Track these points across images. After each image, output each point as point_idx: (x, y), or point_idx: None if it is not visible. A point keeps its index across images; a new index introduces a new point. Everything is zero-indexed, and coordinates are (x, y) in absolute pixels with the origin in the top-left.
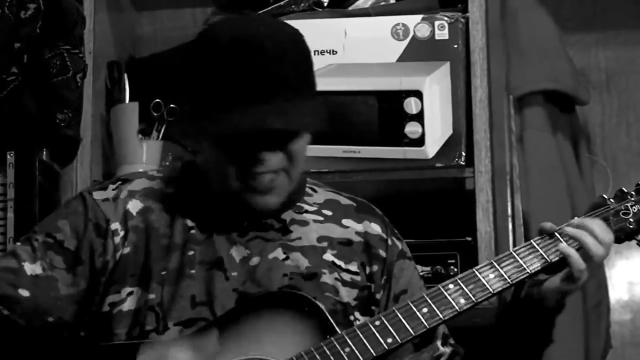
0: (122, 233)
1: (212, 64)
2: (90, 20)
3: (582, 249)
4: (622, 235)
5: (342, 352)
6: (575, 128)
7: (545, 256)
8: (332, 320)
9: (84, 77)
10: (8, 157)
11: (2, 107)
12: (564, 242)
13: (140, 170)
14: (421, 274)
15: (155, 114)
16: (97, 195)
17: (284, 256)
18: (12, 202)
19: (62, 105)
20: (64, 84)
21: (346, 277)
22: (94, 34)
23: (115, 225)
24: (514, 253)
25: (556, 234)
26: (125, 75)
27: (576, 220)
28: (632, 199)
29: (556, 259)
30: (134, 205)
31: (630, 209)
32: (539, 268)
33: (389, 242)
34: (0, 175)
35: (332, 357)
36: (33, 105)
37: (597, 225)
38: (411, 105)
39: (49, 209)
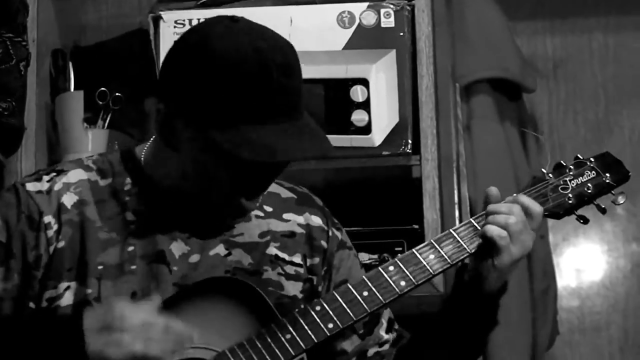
0: (55, 227)
1: (225, 78)
2: (33, 8)
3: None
4: (561, 211)
5: (283, 339)
6: (522, 116)
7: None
8: (273, 307)
9: (28, 66)
10: None
11: None
12: None
13: (77, 158)
14: (368, 261)
15: (101, 103)
16: (31, 186)
17: (225, 252)
18: None
19: (5, 94)
20: (7, 73)
21: (290, 270)
22: (37, 22)
23: (48, 219)
24: (453, 232)
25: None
26: (70, 64)
27: (510, 197)
28: (571, 173)
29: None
30: (69, 199)
31: (569, 183)
32: (479, 247)
33: (330, 233)
34: None
35: (273, 345)
36: None
37: (524, 199)
38: (357, 93)
39: None
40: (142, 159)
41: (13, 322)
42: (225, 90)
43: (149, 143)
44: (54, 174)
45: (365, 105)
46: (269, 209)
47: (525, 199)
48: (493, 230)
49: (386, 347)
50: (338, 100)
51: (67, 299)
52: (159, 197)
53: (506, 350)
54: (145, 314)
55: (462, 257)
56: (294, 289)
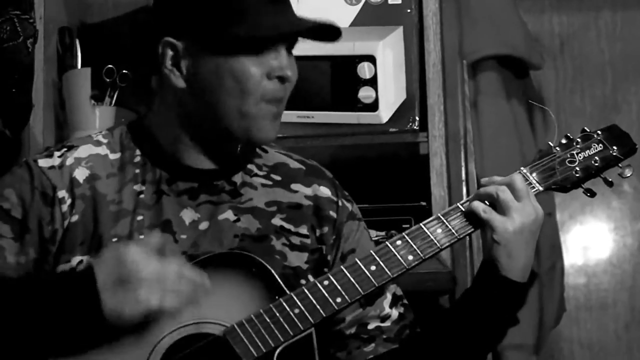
0: (69, 201)
1: None
2: None
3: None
4: (568, 185)
5: (291, 314)
6: (529, 93)
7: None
8: (280, 281)
9: (35, 43)
10: None
11: None
12: None
13: (86, 135)
14: (376, 238)
15: (108, 80)
16: (43, 162)
17: (234, 217)
18: None
19: (13, 71)
20: (15, 50)
21: (295, 240)
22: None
23: (62, 193)
24: (460, 207)
25: None
26: (77, 41)
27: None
28: (578, 146)
29: None
30: (81, 173)
31: (577, 156)
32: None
33: (339, 203)
34: None
35: (282, 320)
36: None
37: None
38: (364, 70)
39: (1, 176)
40: (150, 126)
41: (26, 286)
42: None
43: (152, 111)
44: (65, 149)
45: (373, 82)
46: (277, 178)
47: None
48: (478, 207)
49: (388, 323)
50: (345, 77)
51: None
52: (167, 166)
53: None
54: (158, 264)
55: (469, 232)
56: (297, 259)
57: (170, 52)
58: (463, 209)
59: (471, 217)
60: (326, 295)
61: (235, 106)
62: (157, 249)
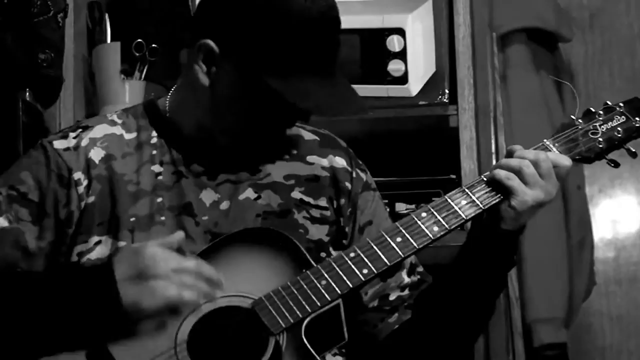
0: (85, 182)
1: (289, 26)
2: None
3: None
4: (592, 155)
5: (318, 285)
6: (558, 66)
7: None
8: (307, 254)
9: (65, 17)
10: None
11: None
12: None
13: (101, 115)
14: (405, 211)
15: (137, 54)
16: (58, 144)
17: (255, 195)
18: None
19: (43, 45)
20: (45, 24)
21: (316, 213)
22: None
23: (78, 175)
24: (484, 178)
25: None
26: (106, 15)
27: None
28: (601, 118)
29: None
30: (96, 153)
31: (599, 128)
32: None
33: (354, 174)
34: None
35: (309, 291)
36: (14, 45)
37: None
38: (394, 43)
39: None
40: (167, 108)
41: (45, 278)
42: (287, 37)
43: (170, 93)
44: (80, 130)
45: (402, 55)
46: (292, 151)
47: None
48: (499, 172)
49: (407, 291)
50: (374, 50)
51: (97, 253)
52: (185, 147)
53: (543, 301)
54: (176, 258)
55: (493, 202)
56: (318, 232)
57: (205, 53)
58: (487, 180)
59: (495, 186)
60: (352, 266)
61: (244, 124)
62: (177, 248)
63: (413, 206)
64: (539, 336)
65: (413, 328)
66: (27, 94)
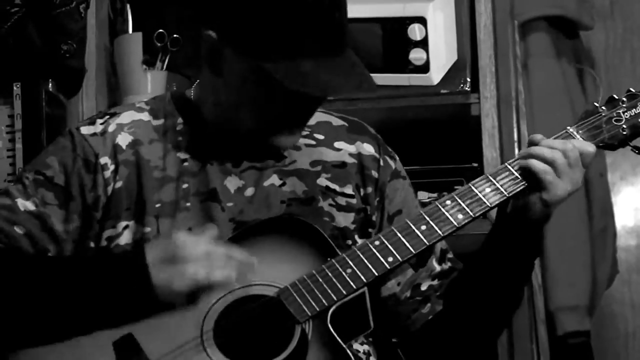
0: (112, 167)
1: (282, 8)
2: None
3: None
4: (616, 142)
5: (344, 273)
6: (579, 54)
7: None
8: (332, 243)
9: (87, 8)
10: (14, 88)
11: (7, 39)
12: None
13: (129, 103)
14: (427, 200)
15: (159, 44)
16: (85, 130)
17: (280, 182)
18: (20, 133)
19: (66, 36)
20: (68, 15)
21: (341, 201)
22: None
23: (104, 160)
24: (509, 166)
25: None
26: (128, 6)
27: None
28: (624, 105)
29: None
30: (123, 139)
31: (622, 115)
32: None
33: (382, 162)
34: (7, 106)
35: (334, 279)
36: (37, 36)
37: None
38: (415, 32)
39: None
40: (193, 97)
41: (77, 262)
42: (281, 21)
43: (197, 83)
44: (107, 116)
45: (423, 43)
46: (319, 137)
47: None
48: (537, 165)
49: (438, 280)
50: (396, 39)
51: (126, 238)
52: (210, 134)
53: (566, 289)
54: (206, 244)
55: (517, 189)
56: (344, 220)
57: (209, 43)
58: (512, 168)
59: (522, 175)
60: (377, 254)
61: (252, 117)
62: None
63: (435, 194)
64: (562, 324)
65: (445, 318)
66: (50, 84)
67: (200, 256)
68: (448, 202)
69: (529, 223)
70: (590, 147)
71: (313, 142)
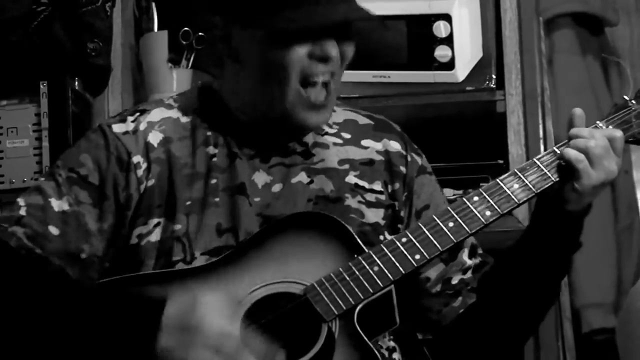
0: (144, 165)
1: None
2: None
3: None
4: None
5: (370, 271)
6: (604, 50)
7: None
8: (359, 240)
9: (113, 6)
10: (41, 86)
11: (33, 38)
12: None
13: (158, 99)
14: (453, 197)
15: (184, 43)
16: (117, 128)
17: (308, 180)
18: (46, 132)
19: (92, 34)
20: (94, 14)
21: (370, 197)
22: None
23: (137, 158)
24: (537, 162)
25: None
26: (153, 4)
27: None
28: None
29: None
30: (155, 137)
31: None
32: (563, 175)
33: (409, 158)
34: (34, 105)
35: (361, 277)
36: (63, 35)
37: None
38: (440, 29)
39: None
40: (221, 90)
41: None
42: None
43: (223, 76)
44: (138, 114)
45: (449, 40)
46: (346, 135)
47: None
48: (571, 153)
49: (469, 274)
50: (421, 36)
51: (156, 235)
52: (237, 129)
53: (592, 286)
54: (225, 323)
55: (546, 186)
56: (375, 216)
57: (220, 30)
58: (540, 164)
59: (551, 169)
60: (405, 252)
61: (277, 91)
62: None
63: (461, 191)
64: (587, 321)
65: (478, 312)
66: (77, 83)
67: (214, 335)
68: (476, 198)
69: (567, 215)
70: (617, 133)
71: (340, 141)
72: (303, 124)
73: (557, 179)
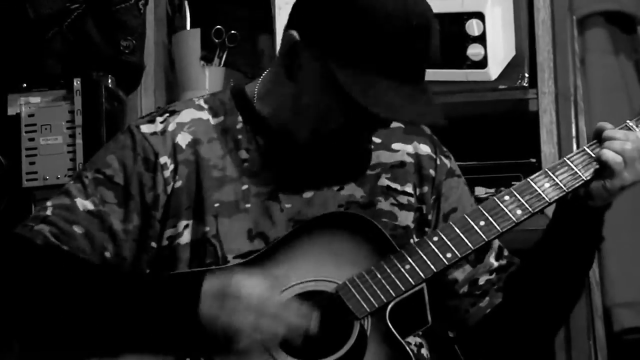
0: (171, 167)
1: (370, 22)
2: None
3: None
4: None
5: (402, 269)
6: (637, 49)
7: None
8: (390, 238)
9: (146, 4)
10: (75, 84)
11: (67, 35)
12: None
13: (188, 99)
14: (485, 195)
15: (217, 41)
16: (145, 128)
17: (338, 187)
18: (79, 129)
19: (125, 32)
20: (127, 11)
21: (403, 199)
22: None
23: (164, 159)
24: (567, 161)
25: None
26: (186, 2)
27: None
28: None
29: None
30: (183, 138)
31: None
32: (594, 174)
33: (438, 161)
34: (67, 102)
35: (393, 275)
36: (97, 32)
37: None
38: (473, 27)
39: (115, 135)
40: (255, 95)
41: (133, 277)
42: (366, 34)
43: (259, 80)
44: (167, 114)
45: (481, 39)
46: (377, 140)
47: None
48: (609, 154)
49: (496, 274)
50: (454, 35)
51: (187, 237)
52: (269, 135)
53: (623, 284)
54: (264, 289)
55: (577, 185)
56: (407, 219)
57: (289, 43)
58: (570, 163)
59: (585, 167)
60: (436, 250)
61: (315, 122)
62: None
63: (493, 190)
64: (619, 320)
65: (505, 311)
66: (110, 80)
67: (254, 299)
68: (507, 197)
69: (590, 211)
70: None
71: (371, 147)
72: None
73: (588, 178)
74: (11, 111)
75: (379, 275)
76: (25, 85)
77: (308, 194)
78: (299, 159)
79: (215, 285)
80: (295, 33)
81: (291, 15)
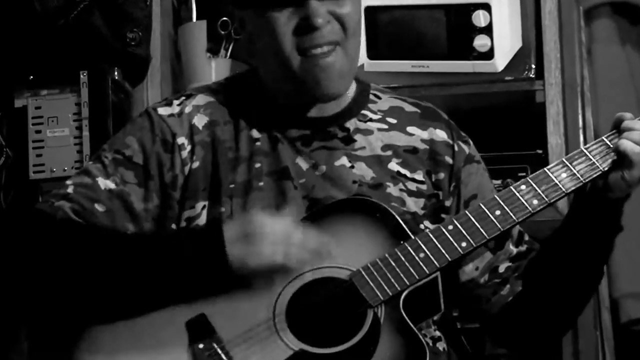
0: (189, 147)
1: None
2: None
3: None
4: None
5: (416, 257)
6: None
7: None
8: (405, 226)
9: None
10: (81, 76)
11: (73, 28)
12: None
13: (203, 84)
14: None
15: (223, 32)
16: (163, 111)
17: (349, 164)
18: (86, 121)
19: (131, 24)
20: (133, 3)
21: (412, 186)
22: None
23: (181, 140)
24: (585, 151)
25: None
26: None
27: None
28: None
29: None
30: (200, 120)
31: None
32: (612, 165)
33: (456, 147)
34: (74, 94)
35: (407, 264)
36: (103, 24)
37: None
38: (480, 18)
39: (122, 127)
40: (260, 76)
41: (154, 237)
42: None
43: None
44: (183, 97)
45: (488, 30)
46: (392, 121)
47: None
48: (627, 144)
49: (516, 261)
50: (460, 26)
51: (204, 218)
52: (279, 114)
53: (630, 275)
54: (284, 225)
55: (594, 175)
56: (415, 205)
57: (237, 18)
58: (588, 153)
59: (603, 158)
60: (451, 239)
61: (279, 67)
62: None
63: (499, 181)
64: (626, 311)
65: (525, 298)
66: (116, 72)
67: (278, 237)
68: (523, 187)
69: (609, 202)
70: None
71: (385, 127)
72: (318, 91)
73: (606, 169)
74: (18, 103)
75: (392, 263)
76: (32, 77)
77: (322, 169)
78: (308, 135)
79: (236, 228)
80: (236, 9)
81: None
